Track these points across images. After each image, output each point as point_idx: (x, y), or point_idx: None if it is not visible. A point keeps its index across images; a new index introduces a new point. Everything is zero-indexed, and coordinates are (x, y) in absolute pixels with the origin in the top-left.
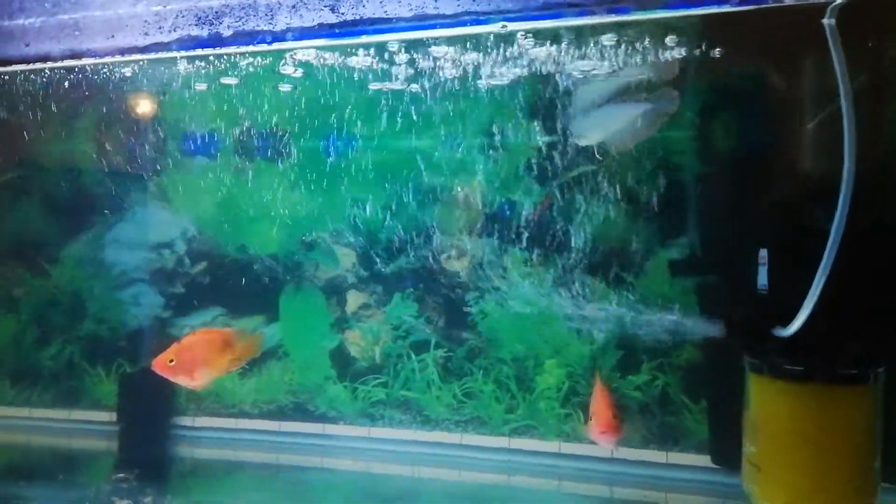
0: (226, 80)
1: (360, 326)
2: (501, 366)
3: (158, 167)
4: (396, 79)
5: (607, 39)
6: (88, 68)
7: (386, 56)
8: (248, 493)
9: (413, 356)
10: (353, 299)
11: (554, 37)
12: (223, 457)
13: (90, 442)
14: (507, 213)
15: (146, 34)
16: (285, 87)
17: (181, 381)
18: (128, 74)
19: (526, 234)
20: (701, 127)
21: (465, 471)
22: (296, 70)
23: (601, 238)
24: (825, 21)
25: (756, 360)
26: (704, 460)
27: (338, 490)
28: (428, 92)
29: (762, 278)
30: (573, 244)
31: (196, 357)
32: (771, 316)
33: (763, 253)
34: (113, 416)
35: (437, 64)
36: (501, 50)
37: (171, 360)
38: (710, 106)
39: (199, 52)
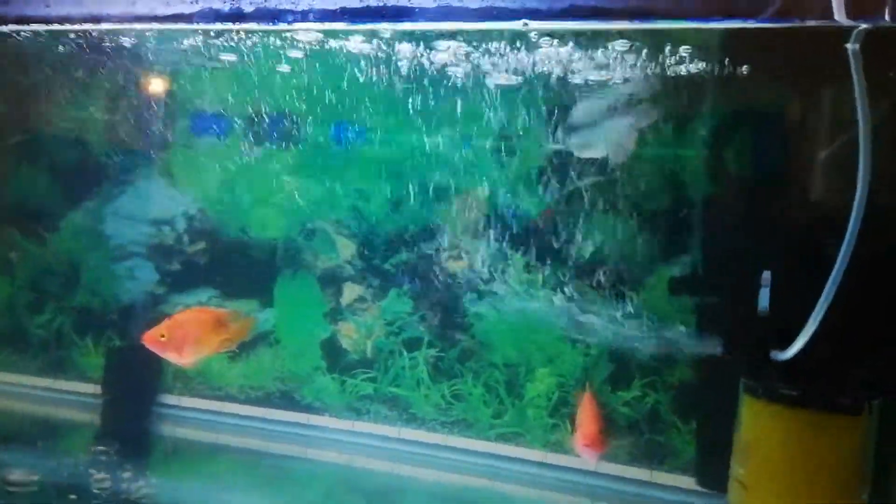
0: (239, 60)
1: (353, 319)
2: (492, 370)
3: (166, 143)
4: (408, 72)
5: (614, 49)
6: (106, 37)
7: (398, 49)
8: (228, 476)
9: (405, 353)
10: (349, 291)
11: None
12: (205, 439)
13: (73, 413)
14: (512, 217)
15: (168, 3)
16: (294, 72)
17: (170, 357)
18: (143, 47)
19: (529, 241)
20: (711, 146)
21: (447, 472)
22: (307, 54)
23: (602, 249)
24: (849, 45)
25: (752, 382)
26: (689, 482)
27: (318, 481)
28: (439, 88)
29: (763, 300)
30: (574, 253)
31: (187, 334)
32: (770, 339)
33: (766, 275)
34: (98, 389)
35: (449, 60)
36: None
37: (163, 335)
38: (722, 125)
39: (218, 25)
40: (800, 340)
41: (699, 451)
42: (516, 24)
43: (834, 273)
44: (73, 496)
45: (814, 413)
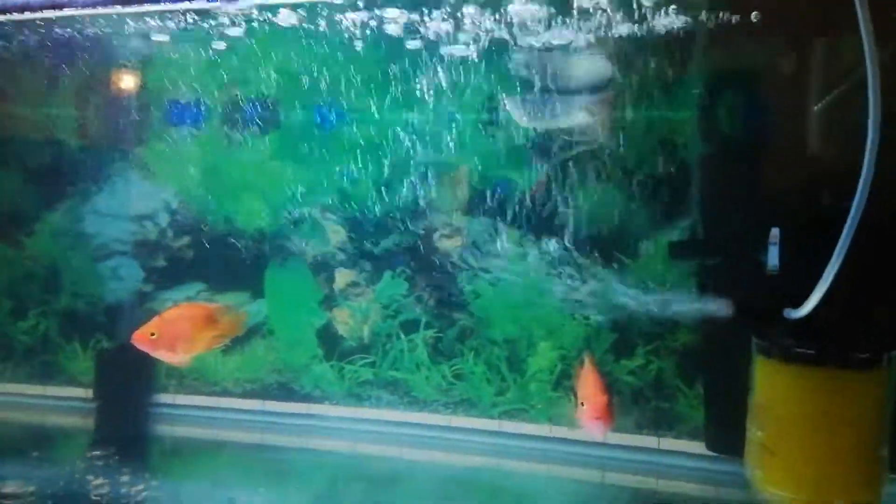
0: (210, 44)
1: (348, 305)
2: (493, 347)
3: (141, 136)
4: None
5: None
6: (71, 29)
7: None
8: (230, 472)
9: (402, 336)
10: (342, 277)
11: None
12: (204, 436)
13: (65, 419)
14: (502, 191)
15: None
16: (270, 54)
17: (162, 355)
18: (109, 37)
19: (520, 214)
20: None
21: (454, 453)
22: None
23: (598, 218)
24: None
25: (765, 342)
26: (698, 447)
27: (322, 471)
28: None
29: (773, 259)
30: (568, 223)
31: (178, 331)
32: (781, 297)
33: (774, 232)
34: (89, 393)
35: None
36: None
37: (153, 334)
38: (716, 83)
39: (186, 4)
40: (814, 297)
41: (707, 415)
42: None
43: (847, 227)
44: None
45: (830, 370)
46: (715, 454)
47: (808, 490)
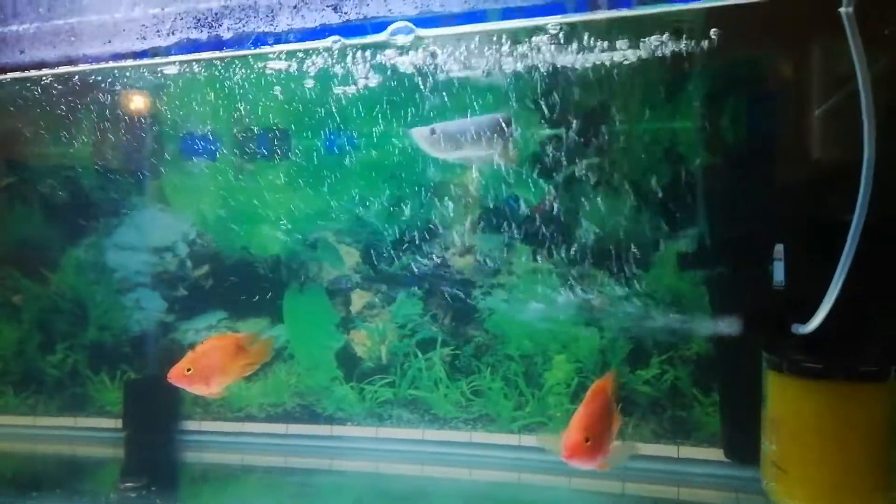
0: (224, 81)
1: (365, 326)
2: (509, 362)
3: (158, 170)
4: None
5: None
6: (86, 71)
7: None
8: (258, 497)
9: (420, 355)
10: (358, 299)
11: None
12: (231, 461)
13: (96, 449)
14: (512, 207)
15: (144, 38)
16: (279, 88)
17: (197, 389)
18: (125, 76)
19: (531, 229)
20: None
21: (476, 469)
22: (289, 67)
23: (608, 231)
24: (842, 10)
25: (775, 357)
26: (717, 454)
27: (347, 491)
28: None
29: (778, 274)
30: (578, 237)
31: (211, 364)
32: (789, 312)
33: (779, 248)
34: (118, 423)
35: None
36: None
37: (189, 369)
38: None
39: (198, 55)
40: (821, 312)
41: (724, 423)
42: (495, 26)
43: (849, 240)
44: None
45: (840, 384)
46: (733, 462)
47: (822, 501)
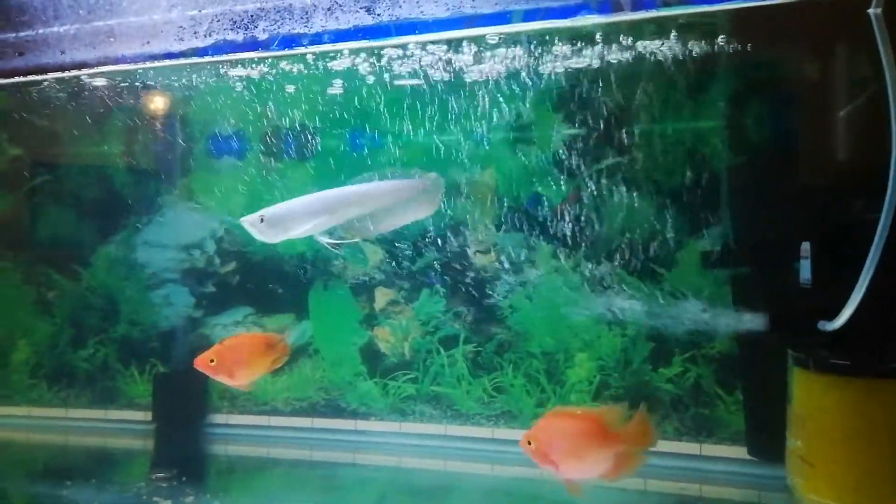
0: (253, 82)
1: (388, 323)
2: (531, 359)
3: (187, 169)
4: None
5: None
6: (119, 72)
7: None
8: (284, 489)
9: (442, 351)
10: (382, 296)
11: None
12: (257, 454)
13: (126, 441)
14: (535, 206)
15: (181, 39)
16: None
17: (222, 379)
18: (156, 77)
19: (553, 227)
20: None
21: (497, 464)
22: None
23: (630, 230)
24: (871, 11)
25: (801, 354)
26: (739, 451)
27: (371, 485)
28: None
29: (805, 272)
30: (601, 235)
31: (236, 358)
32: (815, 310)
33: (805, 246)
34: (148, 416)
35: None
36: None
37: (212, 360)
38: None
39: (234, 56)
40: (848, 309)
41: (748, 420)
42: (530, 26)
43: (877, 237)
44: None
45: (866, 380)
46: (756, 459)
47: (847, 498)
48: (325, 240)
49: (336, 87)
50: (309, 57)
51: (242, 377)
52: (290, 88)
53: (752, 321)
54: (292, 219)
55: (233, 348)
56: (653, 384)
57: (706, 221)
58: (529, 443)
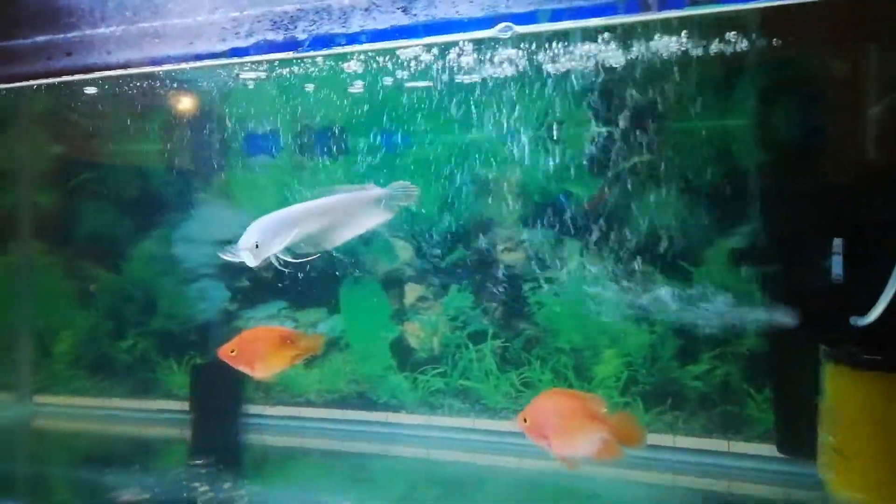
0: (289, 81)
1: (418, 318)
2: (559, 355)
3: (223, 166)
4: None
5: None
6: (160, 72)
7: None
8: (316, 478)
9: (471, 346)
10: (411, 291)
11: None
12: (290, 444)
13: (163, 430)
14: (563, 203)
15: (224, 40)
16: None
17: (243, 370)
18: (192, 77)
19: (582, 225)
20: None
21: (525, 458)
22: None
23: (660, 227)
24: None
25: (833, 350)
26: (768, 449)
27: (401, 475)
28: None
29: (837, 268)
30: (629, 233)
31: (255, 350)
32: (847, 306)
33: (837, 242)
34: (185, 406)
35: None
36: None
37: (233, 350)
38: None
39: (274, 56)
40: (880, 304)
41: (777, 417)
42: (568, 25)
43: None
44: None
45: None
46: (785, 456)
47: (879, 491)
48: (287, 257)
49: (366, 86)
50: (346, 56)
51: (261, 369)
52: (325, 88)
53: (783, 318)
54: (274, 236)
55: (249, 341)
56: (680, 381)
57: (736, 219)
58: (525, 420)
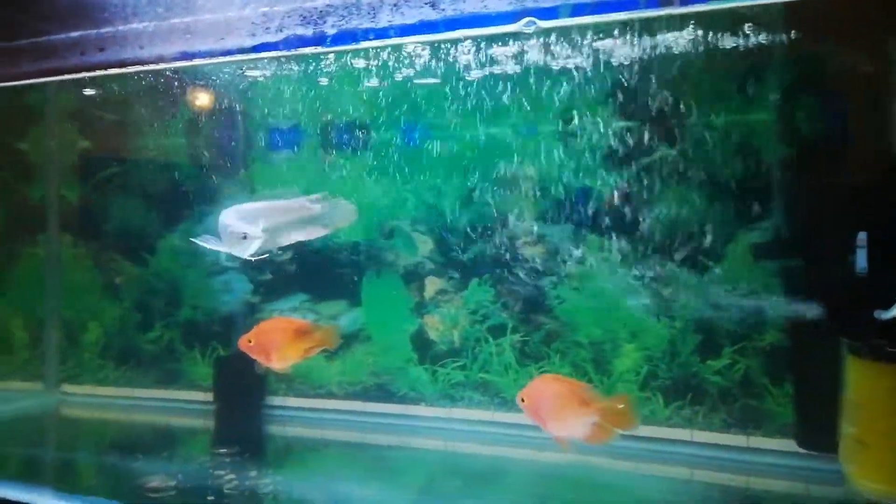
0: (316, 76)
1: (438, 311)
2: (578, 349)
3: (247, 160)
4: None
5: None
6: (186, 67)
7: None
8: (337, 468)
9: (491, 340)
10: (431, 285)
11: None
12: (311, 435)
13: (188, 420)
14: (583, 198)
15: (254, 35)
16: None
17: (260, 360)
18: (217, 72)
19: (602, 219)
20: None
21: (544, 451)
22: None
23: (680, 221)
24: None
25: (856, 343)
26: (787, 444)
27: (421, 467)
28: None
29: (861, 261)
30: (651, 228)
31: (271, 341)
32: (870, 299)
33: (862, 235)
34: (209, 396)
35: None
36: None
37: (250, 341)
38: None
39: (304, 51)
40: None
41: (797, 412)
42: (594, 19)
43: None
44: (210, 497)
45: None
46: (805, 451)
47: None
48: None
49: (388, 80)
50: (371, 51)
51: (277, 360)
52: (350, 82)
53: (805, 312)
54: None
55: (266, 332)
56: (700, 375)
57: (758, 213)
58: (523, 400)
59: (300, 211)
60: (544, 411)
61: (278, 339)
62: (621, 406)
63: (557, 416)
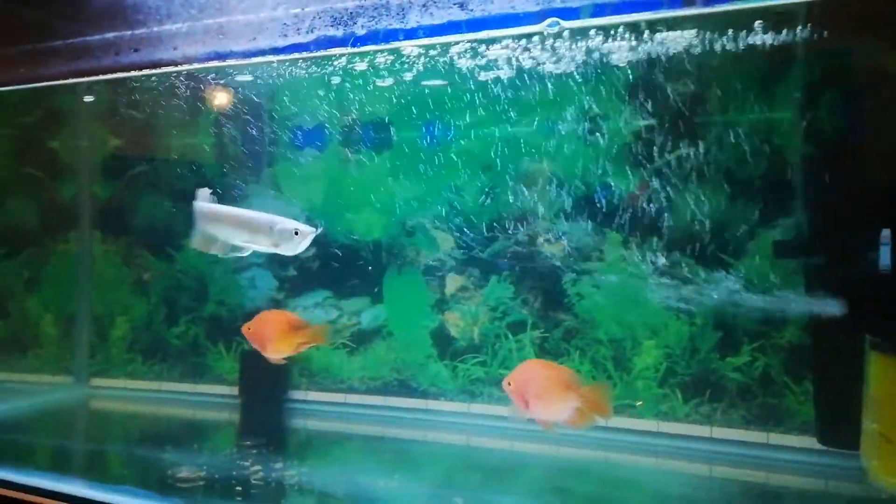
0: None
1: (458, 307)
2: (598, 346)
3: (272, 159)
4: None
5: None
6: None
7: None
8: (358, 461)
9: (510, 336)
10: (452, 282)
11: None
12: (333, 428)
13: (213, 413)
14: (603, 196)
15: (285, 35)
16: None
17: (257, 348)
18: (243, 72)
19: (622, 217)
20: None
21: (563, 447)
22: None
23: (701, 219)
24: None
25: (879, 339)
26: (807, 441)
27: (441, 461)
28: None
29: (885, 258)
30: (671, 226)
31: (265, 332)
32: (893, 295)
33: (885, 232)
34: (234, 390)
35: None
36: None
37: (249, 328)
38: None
39: (334, 51)
40: None
41: (818, 409)
42: (625, 19)
43: None
44: (238, 487)
45: None
46: (825, 448)
47: None
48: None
49: (412, 80)
50: (400, 51)
51: (271, 351)
52: (376, 83)
53: (826, 309)
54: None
55: (263, 322)
56: (720, 372)
57: (779, 210)
58: (509, 384)
59: (259, 227)
60: (529, 395)
61: (274, 331)
62: (601, 393)
63: (542, 400)
